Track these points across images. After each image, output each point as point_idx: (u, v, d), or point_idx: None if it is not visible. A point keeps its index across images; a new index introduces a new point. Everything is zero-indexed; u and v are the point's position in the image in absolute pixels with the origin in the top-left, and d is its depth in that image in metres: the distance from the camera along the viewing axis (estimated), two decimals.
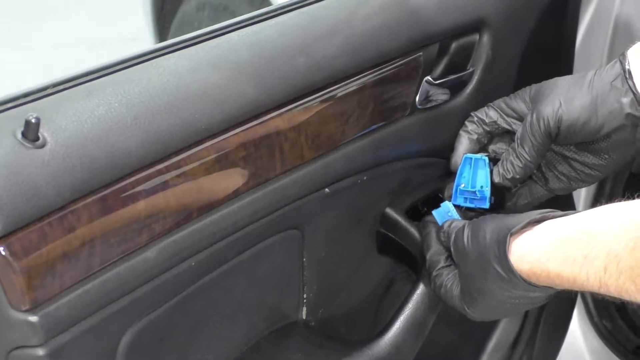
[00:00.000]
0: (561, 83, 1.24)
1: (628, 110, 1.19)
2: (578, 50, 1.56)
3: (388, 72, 1.22)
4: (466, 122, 1.31)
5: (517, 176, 1.26)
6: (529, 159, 1.24)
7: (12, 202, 0.86)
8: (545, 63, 1.49)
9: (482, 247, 1.12)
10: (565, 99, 1.21)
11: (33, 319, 0.89)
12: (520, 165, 1.25)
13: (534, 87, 1.27)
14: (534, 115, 1.23)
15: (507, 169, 1.26)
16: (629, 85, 1.18)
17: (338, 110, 1.17)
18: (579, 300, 1.91)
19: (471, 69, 1.34)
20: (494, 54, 1.34)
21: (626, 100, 1.19)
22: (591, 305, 1.93)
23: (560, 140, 1.24)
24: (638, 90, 1.18)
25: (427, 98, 1.29)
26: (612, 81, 1.20)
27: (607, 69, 1.21)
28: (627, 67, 1.19)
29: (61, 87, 0.99)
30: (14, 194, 0.86)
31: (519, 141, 1.25)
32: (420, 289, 1.30)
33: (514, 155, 1.25)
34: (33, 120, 0.89)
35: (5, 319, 0.89)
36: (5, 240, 0.86)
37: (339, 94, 1.17)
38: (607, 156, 1.24)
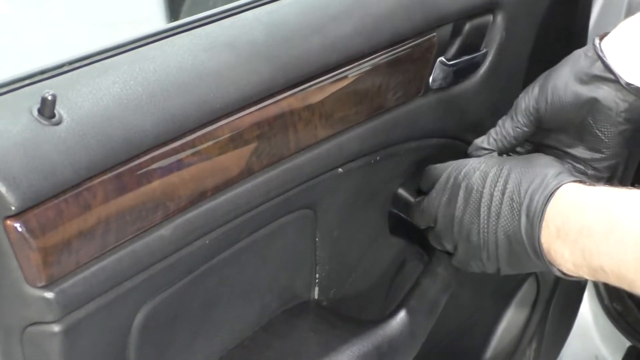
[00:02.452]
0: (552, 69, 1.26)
1: (595, 72, 1.18)
2: (591, 31, 1.55)
3: (402, 53, 1.22)
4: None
5: (487, 146, 1.28)
6: (504, 133, 1.26)
7: (28, 179, 0.86)
8: (558, 44, 1.49)
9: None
10: (545, 76, 1.24)
11: (49, 295, 0.89)
12: (494, 137, 1.27)
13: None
14: (520, 95, 1.26)
15: (483, 138, 1.29)
16: (595, 50, 1.18)
17: (352, 90, 1.17)
18: (589, 283, 1.92)
19: (485, 50, 1.34)
20: (507, 35, 1.34)
21: (592, 64, 1.19)
22: (601, 287, 1.94)
23: (546, 122, 1.24)
24: (606, 57, 1.17)
25: (440, 79, 1.29)
26: (585, 51, 1.21)
27: (585, 47, 1.22)
28: (595, 39, 1.20)
29: (77, 64, 0.99)
30: (30, 170, 0.86)
31: (503, 117, 1.28)
32: (432, 269, 1.31)
33: (494, 128, 1.28)
34: (49, 98, 0.89)
35: (21, 295, 0.89)
36: (21, 216, 0.86)
37: (353, 74, 1.16)
38: (598, 138, 1.23)
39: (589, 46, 1.21)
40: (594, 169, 1.24)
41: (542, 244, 1.11)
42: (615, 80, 1.17)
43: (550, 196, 1.11)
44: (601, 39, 1.20)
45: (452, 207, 1.20)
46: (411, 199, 1.33)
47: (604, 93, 1.18)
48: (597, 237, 1.05)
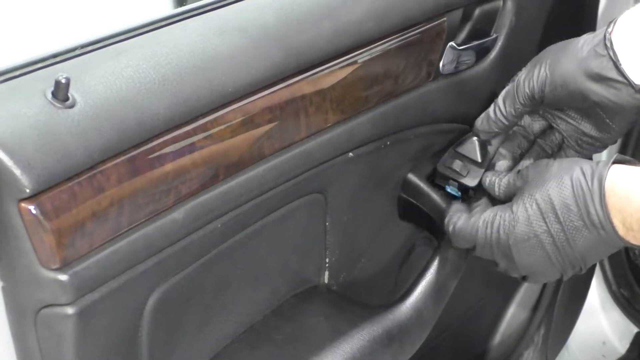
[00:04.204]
0: (553, 47, 1.24)
1: (607, 74, 1.16)
2: (600, 16, 1.55)
3: (412, 38, 1.22)
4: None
5: (487, 129, 1.27)
6: (505, 114, 1.25)
7: (42, 162, 0.87)
8: (568, 30, 1.49)
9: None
10: (551, 62, 1.21)
11: (63, 277, 0.90)
12: (493, 118, 1.26)
13: (542, 51, 1.27)
14: (523, 76, 1.24)
15: (482, 119, 1.27)
16: (607, 50, 1.16)
17: (362, 75, 1.17)
18: (597, 269, 1.92)
19: (494, 35, 1.34)
20: (517, 20, 1.35)
21: (605, 65, 1.16)
22: (609, 273, 1.94)
23: (549, 104, 1.24)
24: (618, 56, 1.16)
25: (450, 64, 1.29)
26: (595, 46, 1.18)
27: (595, 35, 1.19)
28: (608, 32, 1.17)
29: (89, 48, 0.99)
30: (44, 153, 0.87)
31: (502, 96, 1.26)
32: (442, 254, 1.31)
33: (492, 108, 1.27)
34: (63, 81, 0.89)
35: (36, 277, 0.90)
36: (36, 199, 0.87)
37: (364, 59, 1.17)
38: (607, 124, 1.23)
39: (599, 39, 1.17)
40: (601, 143, 1.25)
41: (622, 238, 1.09)
42: (628, 84, 1.16)
43: (603, 198, 1.09)
44: (610, 30, 1.17)
45: (510, 260, 1.18)
46: (421, 183, 1.33)
47: (617, 93, 1.17)
48: None
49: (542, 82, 1.21)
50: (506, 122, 1.25)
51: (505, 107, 1.25)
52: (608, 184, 1.09)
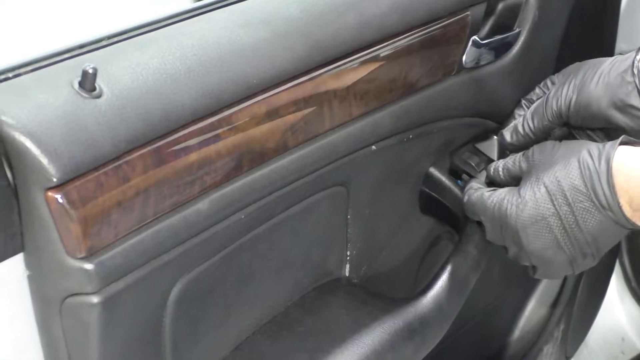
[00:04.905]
0: (583, 66, 1.24)
1: (631, 102, 1.16)
2: (623, 11, 1.55)
3: (436, 31, 1.22)
4: (515, 110, 1.33)
5: (515, 142, 1.28)
6: (532, 129, 1.26)
7: (69, 151, 0.87)
8: (590, 25, 1.49)
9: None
10: (579, 83, 1.21)
11: (88, 266, 0.90)
12: (522, 133, 1.27)
13: (573, 65, 1.27)
14: (552, 93, 1.24)
15: (511, 132, 1.29)
16: (634, 78, 1.16)
17: (386, 68, 1.17)
18: (617, 265, 1.92)
19: (517, 30, 1.34)
20: (540, 15, 1.34)
21: (630, 93, 1.16)
22: (629, 270, 1.94)
23: (574, 123, 1.23)
24: None
25: (473, 58, 1.29)
26: (622, 72, 1.17)
27: (623, 59, 1.19)
28: (637, 59, 1.16)
29: (115, 39, 1.00)
30: (71, 143, 0.87)
31: (531, 111, 1.27)
32: (463, 248, 1.31)
33: (521, 123, 1.28)
34: (90, 71, 0.90)
35: (62, 266, 0.90)
36: (62, 188, 0.87)
37: (388, 52, 1.17)
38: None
39: (626, 65, 1.17)
40: None
41: (629, 220, 1.09)
42: None
43: (611, 179, 1.09)
44: (639, 58, 1.16)
45: (519, 245, 1.18)
46: (443, 177, 1.33)
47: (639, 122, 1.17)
48: None
49: (568, 102, 1.22)
50: (534, 137, 1.26)
51: (533, 123, 1.26)
52: (615, 165, 1.09)
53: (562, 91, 1.23)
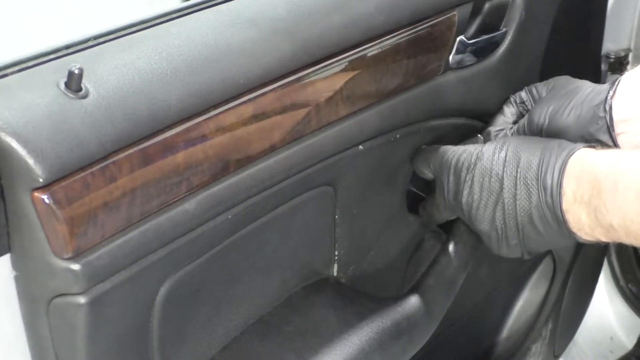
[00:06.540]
0: (561, 90, 1.25)
1: (600, 137, 1.17)
2: (610, 11, 1.56)
3: (423, 31, 1.22)
4: (503, 106, 1.34)
5: None
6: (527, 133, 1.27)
7: (55, 152, 0.87)
8: (577, 25, 1.50)
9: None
10: (554, 108, 1.23)
11: (75, 266, 0.90)
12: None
13: (557, 79, 1.29)
14: (529, 113, 1.26)
15: (497, 133, 1.31)
16: (605, 115, 1.17)
17: (373, 68, 1.18)
18: (605, 265, 1.92)
19: (504, 30, 1.34)
20: (527, 15, 1.35)
21: (599, 129, 1.17)
22: (617, 269, 1.94)
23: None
24: (614, 117, 1.16)
25: (460, 58, 1.30)
26: (595, 106, 1.19)
27: (598, 92, 1.20)
28: (610, 94, 1.17)
29: (102, 39, 1.00)
30: (57, 143, 0.87)
31: (519, 125, 1.28)
32: (450, 248, 1.32)
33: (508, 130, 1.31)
34: (76, 71, 0.90)
35: (48, 266, 0.90)
36: (49, 188, 0.87)
37: (374, 52, 1.17)
38: None
39: (600, 100, 1.18)
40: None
41: (563, 211, 1.11)
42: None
43: (564, 165, 1.11)
44: (612, 95, 1.17)
45: (469, 197, 1.20)
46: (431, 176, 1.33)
47: None
48: (605, 195, 1.05)
49: (539, 128, 1.23)
50: None
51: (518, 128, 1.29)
52: (577, 155, 1.11)
53: (537, 113, 1.24)
